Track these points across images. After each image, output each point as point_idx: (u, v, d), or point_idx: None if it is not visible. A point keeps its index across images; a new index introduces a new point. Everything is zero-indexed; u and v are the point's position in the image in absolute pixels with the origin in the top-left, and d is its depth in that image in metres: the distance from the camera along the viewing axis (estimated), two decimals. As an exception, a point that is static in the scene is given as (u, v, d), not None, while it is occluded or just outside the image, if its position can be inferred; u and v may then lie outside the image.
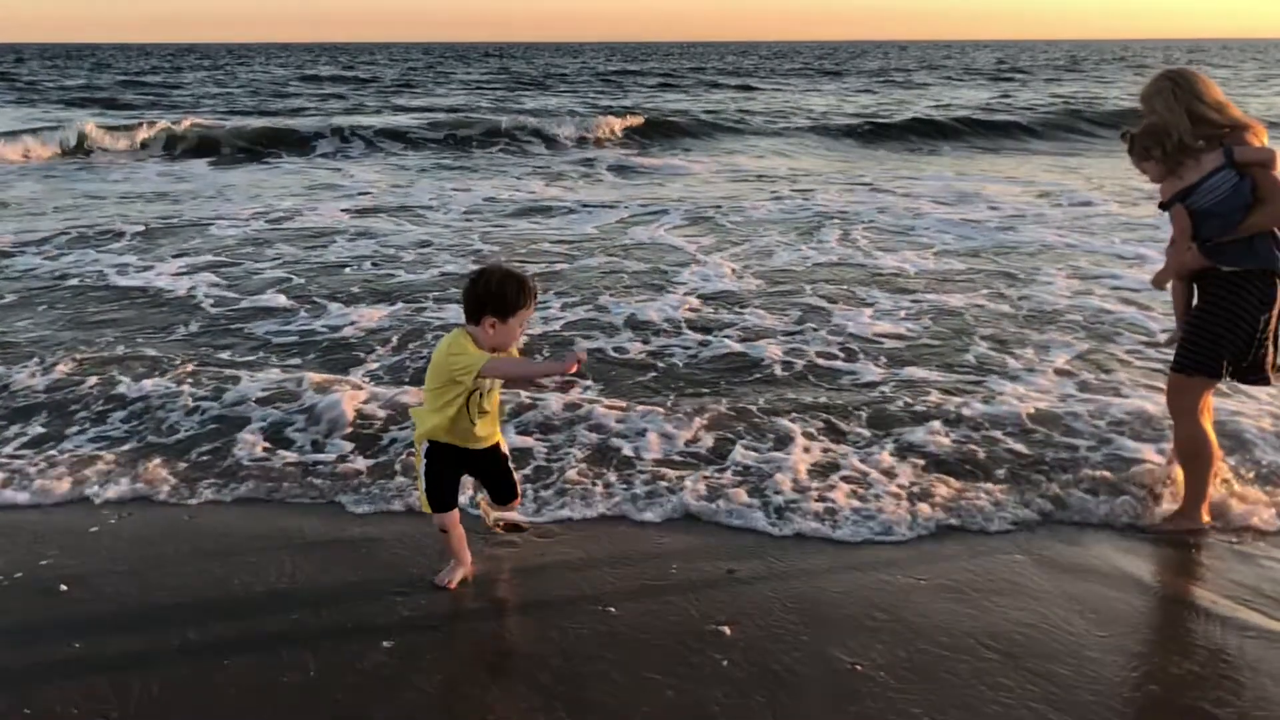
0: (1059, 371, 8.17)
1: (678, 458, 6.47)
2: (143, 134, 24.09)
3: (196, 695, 4.00)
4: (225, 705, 3.95)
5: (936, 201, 16.72)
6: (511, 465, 5.03)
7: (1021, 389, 7.71)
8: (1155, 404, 6.98)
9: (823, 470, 6.27)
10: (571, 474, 6.19)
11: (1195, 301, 5.31)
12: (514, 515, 5.34)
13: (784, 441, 6.70)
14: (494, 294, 4.48)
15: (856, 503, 5.84)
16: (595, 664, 4.23)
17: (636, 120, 27.80)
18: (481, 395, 4.67)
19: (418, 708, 3.95)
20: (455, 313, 9.75)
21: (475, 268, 4.45)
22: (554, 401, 7.19)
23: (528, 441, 6.64)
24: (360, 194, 17.73)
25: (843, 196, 17.20)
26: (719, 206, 15.96)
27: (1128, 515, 5.69)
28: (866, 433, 6.86)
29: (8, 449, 6.61)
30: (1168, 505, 5.72)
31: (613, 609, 4.69)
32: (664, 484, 6.06)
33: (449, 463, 4.77)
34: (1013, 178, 19.37)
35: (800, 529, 5.55)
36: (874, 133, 26.98)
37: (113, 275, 11.38)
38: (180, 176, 20.12)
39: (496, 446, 4.91)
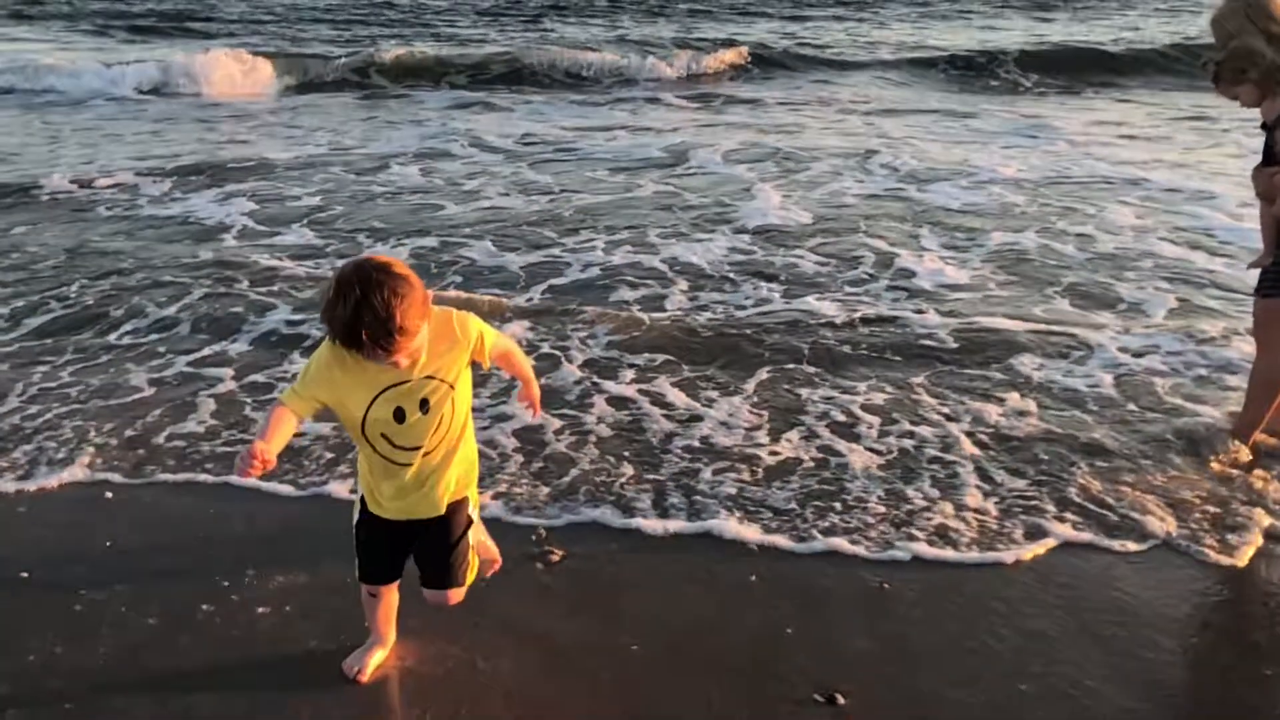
0: (1147, 328, 6.68)
1: (719, 447, 5.07)
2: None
3: None
4: None
5: (998, 133, 14.70)
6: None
7: (1111, 352, 6.24)
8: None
9: (895, 473, 4.84)
10: (586, 465, 4.82)
11: None
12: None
13: (847, 425, 5.28)
14: (333, 315, 2.81)
15: (952, 524, 4.42)
16: (624, 575, 4.02)
17: (709, 52, 25.87)
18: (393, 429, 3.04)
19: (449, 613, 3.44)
20: (487, 252, 8.38)
21: (358, 260, 2.87)
22: (573, 370, 5.81)
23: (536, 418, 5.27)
24: (419, 123, 16.19)
25: (909, 129, 15.38)
26: (780, 140, 14.18)
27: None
28: (940, 413, 5.41)
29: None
30: None
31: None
32: (698, 494, 4.64)
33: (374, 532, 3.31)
34: (1079, 110, 17.41)
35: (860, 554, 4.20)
36: (946, 65, 24.83)
37: (146, 205, 10.09)
38: (247, 107, 18.76)
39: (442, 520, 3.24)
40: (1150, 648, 3.65)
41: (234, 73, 20.61)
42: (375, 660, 3.43)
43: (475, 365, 3.16)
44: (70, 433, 5.23)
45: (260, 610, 3.81)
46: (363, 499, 3.24)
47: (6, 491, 4.71)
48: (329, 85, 20.10)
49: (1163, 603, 3.92)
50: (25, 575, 4.05)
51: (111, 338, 6.58)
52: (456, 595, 3.27)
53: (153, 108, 17.06)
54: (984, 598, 3.93)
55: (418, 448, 3.07)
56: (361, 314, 2.71)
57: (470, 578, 3.21)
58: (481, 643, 3.59)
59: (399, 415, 3.00)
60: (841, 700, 3.33)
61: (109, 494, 4.70)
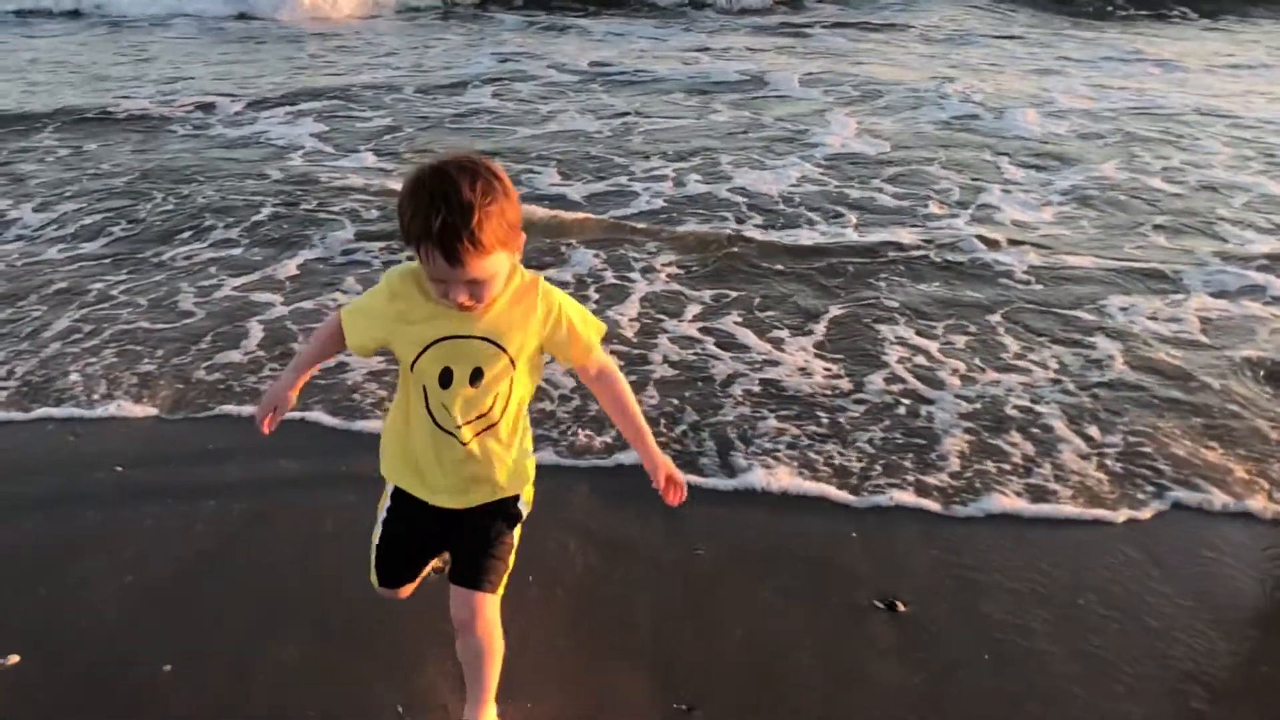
0: (1244, 268, 6.14)
1: (787, 391, 4.65)
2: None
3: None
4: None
5: (1083, 61, 13.69)
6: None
7: (1206, 294, 5.75)
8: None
9: (978, 424, 4.39)
10: (646, 408, 4.42)
11: None
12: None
13: (925, 370, 4.85)
14: (411, 201, 2.23)
15: (1035, 479, 4.00)
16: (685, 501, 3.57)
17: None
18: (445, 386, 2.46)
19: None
20: (551, 179, 7.96)
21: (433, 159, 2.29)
22: (634, 304, 5.43)
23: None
24: (498, 44, 15.64)
25: (991, 55, 14.53)
26: (858, 66, 13.44)
27: None
28: (1024, 359, 4.95)
29: None
30: None
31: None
32: (762, 441, 4.23)
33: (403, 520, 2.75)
34: (1168, 39, 16.36)
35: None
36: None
37: (219, 126, 9.78)
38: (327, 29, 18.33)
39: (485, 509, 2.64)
40: (1226, 584, 3.47)
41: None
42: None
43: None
44: (115, 357, 4.99)
45: (343, 503, 3.75)
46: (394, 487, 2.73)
47: (63, 416, 4.52)
48: (411, 8, 19.61)
49: (1245, 556, 3.62)
50: (120, 469, 4.08)
51: (167, 256, 6.34)
52: (484, 606, 2.57)
53: (232, 28, 16.77)
54: (1061, 539, 3.67)
55: (456, 425, 2.48)
56: (444, 203, 2.15)
57: (502, 586, 2.62)
58: (551, 541, 3.56)
59: (445, 378, 2.43)
60: (901, 608, 3.28)
61: (159, 422, 4.47)
